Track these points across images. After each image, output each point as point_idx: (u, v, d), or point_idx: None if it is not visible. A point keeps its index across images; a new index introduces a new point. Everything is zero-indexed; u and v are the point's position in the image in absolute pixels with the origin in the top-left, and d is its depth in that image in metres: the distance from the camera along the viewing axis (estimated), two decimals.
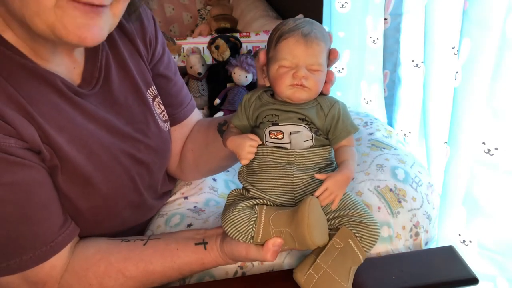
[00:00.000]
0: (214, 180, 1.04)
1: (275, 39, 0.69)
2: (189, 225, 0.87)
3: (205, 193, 0.98)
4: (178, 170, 0.98)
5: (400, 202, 0.84)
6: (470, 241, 0.78)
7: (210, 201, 0.97)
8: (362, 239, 0.67)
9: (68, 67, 0.73)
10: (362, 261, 0.67)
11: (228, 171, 1.09)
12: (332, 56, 0.71)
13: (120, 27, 0.80)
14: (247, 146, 0.67)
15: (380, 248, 0.81)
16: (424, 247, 0.84)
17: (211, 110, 1.75)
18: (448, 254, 0.77)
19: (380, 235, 0.80)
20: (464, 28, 0.69)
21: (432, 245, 0.87)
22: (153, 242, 0.75)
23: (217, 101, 1.67)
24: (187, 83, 1.79)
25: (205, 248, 0.73)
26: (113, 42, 0.79)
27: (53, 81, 0.68)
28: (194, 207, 0.94)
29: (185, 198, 0.97)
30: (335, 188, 0.64)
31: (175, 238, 0.76)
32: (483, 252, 0.77)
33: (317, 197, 0.65)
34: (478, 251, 0.77)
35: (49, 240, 0.67)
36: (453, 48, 0.86)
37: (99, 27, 0.61)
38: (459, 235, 0.79)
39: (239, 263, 0.79)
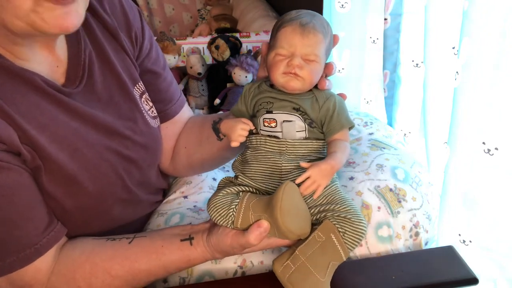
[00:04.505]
0: (214, 179, 1.04)
1: (276, 28, 0.71)
2: (193, 224, 0.87)
3: (205, 192, 0.98)
4: (170, 167, 0.98)
5: (400, 202, 0.84)
6: (470, 241, 0.77)
7: None
8: (345, 234, 0.65)
9: (51, 66, 0.72)
10: (344, 258, 0.66)
11: (228, 170, 1.10)
12: (327, 70, 0.72)
13: (102, 23, 0.80)
14: (239, 129, 0.69)
15: (380, 248, 0.81)
16: (424, 247, 0.84)
17: (211, 110, 1.75)
18: (448, 254, 0.77)
19: (380, 235, 0.81)
20: (464, 28, 0.69)
21: (432, 245, 0.87)
22: (139, 240, 0.75)
23: (217, 101, 1.66)
24: (187, 83, 1.78)
25: (191, 244, 0.73)
26: (96, 40, 0.78)
27: (31, 79, 0.67)
28: (194, 206, 0.94)
29: (185, 197, 0.97)
30: (318, 177, 0.64)
31: (161, 235, 0.76)
32: (483, 252, 0.77)
33: (298, 185, 0.64)
34: (478, 251, 0.77)
35: (33, 242, 0.67)
36: (453, 48, 0.86)
37: (76, 13, 0.62)
38: (459, 235, 0.79)
39: (239, 263, 0.79)
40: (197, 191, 0.99)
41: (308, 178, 0.64)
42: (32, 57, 0.68)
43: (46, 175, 0.68)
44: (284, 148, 0.69)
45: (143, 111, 0.85)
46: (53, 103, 0.69)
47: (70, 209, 0.72)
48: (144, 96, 0.86)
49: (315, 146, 0.70)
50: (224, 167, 1.09)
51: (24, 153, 0.65)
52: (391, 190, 0.85)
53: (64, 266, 0.71)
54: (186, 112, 0.97)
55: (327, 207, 0.68)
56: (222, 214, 0.68)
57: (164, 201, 0.97)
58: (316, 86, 0.71)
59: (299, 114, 0.69)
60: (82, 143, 0.72)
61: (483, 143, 0.69)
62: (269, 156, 0.70)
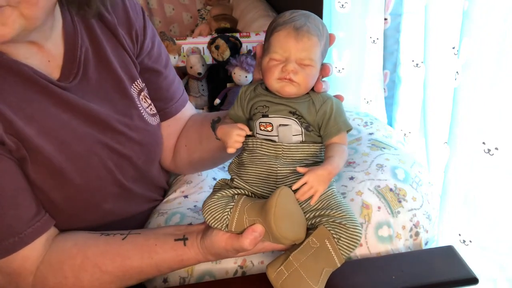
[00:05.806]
0: (214, 179, 1.04)
1: (269, 31, 0.70)
2: (189, 225, 0.87)
3: (205, 192, 0.98)
4: (172, 165, 0.98)
5: (400, 202, 0.84)
6: (470, 241, 0.78)
7: None
8: (339, 240, 0.64)
9: (41, 61, 0.72)
10: (338, 265, 0.65)
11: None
12: (323, 72, 0.70)
13: (102, 20, 0.80)
14: (235, 135, 0.67)
15: (380, 248, 0.81)
16: (424, 247, 0.84)
17: (211, 110, 1.75)
18: (448, 254, 0.77)
19: (380, 235, 0.81)
20: (464, 28, 0.69)
21: (432, 245, 0.87)
22: (133, 237, 0.74)
23: (217, 101, 1.67)
24: (187, 83, 1.78)
25: (185, 244, 0.72)
26: (95, 37, 0.79)
27: (21, 71, 0.67)
28: (194, 206, 0.94)
29: (185, 197, 0.97)
30: (315, 183, 0.63)
31: (155, 234, 0.75)
32: (483, 252, 0.77)
33: (295, 190, 0.63)
34: (478, 251, 0.77)
35: (17, 231, 0.67)
36: (453, 48, 0.86)
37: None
38: (459, 235, 0.79)
39: (239, 263, 0.79)
40: (198, 190, 0.99)
41: (305, 184, 0.63)
42: (16, 52, 0.68)
43: (32, 166, 0.68)
44: (280, 152, 0.68)
45: (140, 108, 0.85)
46: (44, 94, 0.69)
47: (58, 201, 0.72)
48: (142, 94, 0.86)
49: (312, 150, 0.69)
50: (224, 167, 1.09)
51: (8, 143, 0.65)
52: (391, 190, 0.85)
53: (54, 256, 0.71)
54: (188, 110, 0.97)
55: (323, 212, 0.67)
56: (216, 217, 0.67)
57: (164, 200, 0.97)
58: (312, 89, 0.70)
59: (296, 118, 0.68)
60: (71, 136, 0.72)
61: (483, 143, 0.69)
62: (265, 160, 0.69)
